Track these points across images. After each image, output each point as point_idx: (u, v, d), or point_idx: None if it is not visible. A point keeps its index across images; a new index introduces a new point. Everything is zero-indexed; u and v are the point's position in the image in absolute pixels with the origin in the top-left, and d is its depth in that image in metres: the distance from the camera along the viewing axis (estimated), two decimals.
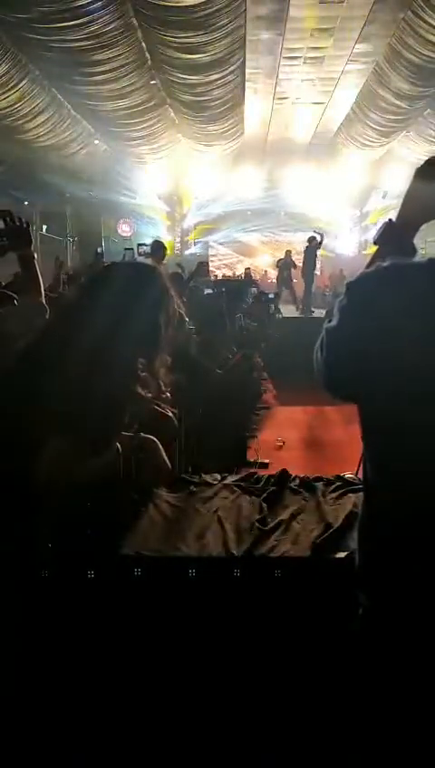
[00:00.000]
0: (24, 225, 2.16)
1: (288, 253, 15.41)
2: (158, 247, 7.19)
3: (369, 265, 1.25)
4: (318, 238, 13.03)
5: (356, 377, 1.07)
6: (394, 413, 1.04)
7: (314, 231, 13.50)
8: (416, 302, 1.02)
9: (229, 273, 19.05)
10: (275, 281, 18.70)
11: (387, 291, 1.05)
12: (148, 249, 7.20)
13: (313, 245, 13.11)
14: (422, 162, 1.25)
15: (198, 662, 1.69)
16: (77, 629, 1.69)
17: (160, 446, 2.19)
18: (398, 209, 1.29)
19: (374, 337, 1.03)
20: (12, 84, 10.57)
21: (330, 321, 1.10)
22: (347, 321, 1.07)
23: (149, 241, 9.13)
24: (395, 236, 1.27)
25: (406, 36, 10.45)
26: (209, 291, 7.17)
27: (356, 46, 11.56)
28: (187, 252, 20.84)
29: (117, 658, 1.70)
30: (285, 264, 15.20)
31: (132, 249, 8.18)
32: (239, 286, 9.92)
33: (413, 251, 1.27)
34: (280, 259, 15.86)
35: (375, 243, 1.31)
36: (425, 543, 1.05)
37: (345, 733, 1.26)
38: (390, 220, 1.30)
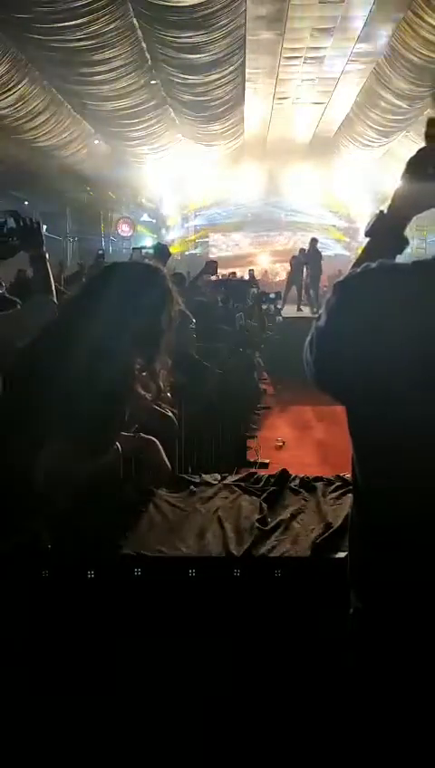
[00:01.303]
0: (36, 226, 2.16)
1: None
2: (161, 250, 7.17)
3: (359, 260, 1.23)
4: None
5: (345, 377, 1.07)
6: (382, 414, 1.04)
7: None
8: (404, 304, 1.01)
9: (229, 274, 19.01)
10: (274, 280, 18.59)
11: (375, 292, 1.05)
12: (150, 251, 7.18)
13: (315, 248, 13.05)
14: (414, 153, 1.23)
15: (198, 662, 1.69)
16: (77, 630, 1.69)
17: (160, 446, 2.19)
18: (389, 201, 1.27)
19: (362, 338, 1.02)
20: (12, 84, 10.57)
21: (319, 320, 1.10)
22: (335, 322, 1.06)
23: (148, 242, 9.11)
24: (386, 228, 1.26)
25: (406, 36, 10.45)
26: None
27: (356, 46, 11.56)
28: (187, 253, 20.83)
29: (117, 658, 1.70)
30: (297, 263, 14.25)
31: (139, 249, 8.11)
32: (239, 286, 9.93)
33: (404, 243, 1.25)
34: (293, 256, 14.93)
35: (367, 235, 1.29)
36: (416, 544, 1.05)
37: (345, 733, 1.26)
38: (381, 211, 1.28)
